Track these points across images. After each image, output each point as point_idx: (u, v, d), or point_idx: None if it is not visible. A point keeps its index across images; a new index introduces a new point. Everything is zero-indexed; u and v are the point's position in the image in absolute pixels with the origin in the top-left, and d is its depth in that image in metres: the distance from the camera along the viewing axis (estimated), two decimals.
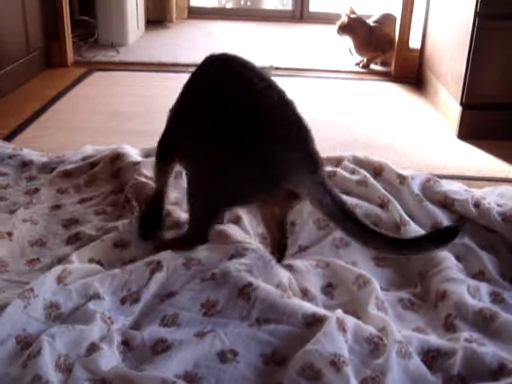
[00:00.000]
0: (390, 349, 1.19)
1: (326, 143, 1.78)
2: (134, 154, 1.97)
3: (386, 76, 3.44)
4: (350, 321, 1.27)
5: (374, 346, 1.23)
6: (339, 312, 1.28)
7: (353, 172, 1.84)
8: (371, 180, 1.78)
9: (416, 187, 1.73)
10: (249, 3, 5.13)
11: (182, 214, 1.69)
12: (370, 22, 3.55)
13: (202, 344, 1.23)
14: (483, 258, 1.54)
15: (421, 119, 2.87)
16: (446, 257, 1.51)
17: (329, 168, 1.84)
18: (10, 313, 1.26)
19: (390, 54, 3.48)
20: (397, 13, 3.40)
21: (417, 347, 1.25)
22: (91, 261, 1.52)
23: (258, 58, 3.53)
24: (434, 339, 1.29)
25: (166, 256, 1.46)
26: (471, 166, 2.34)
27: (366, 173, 1.81)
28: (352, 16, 3.50)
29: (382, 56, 3.57)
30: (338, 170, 1.85)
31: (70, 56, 3.48)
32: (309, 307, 1.31)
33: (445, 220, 1.66)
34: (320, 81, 3.33)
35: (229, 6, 5.18)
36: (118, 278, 1.39)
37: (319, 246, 1.62)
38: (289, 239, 1.58)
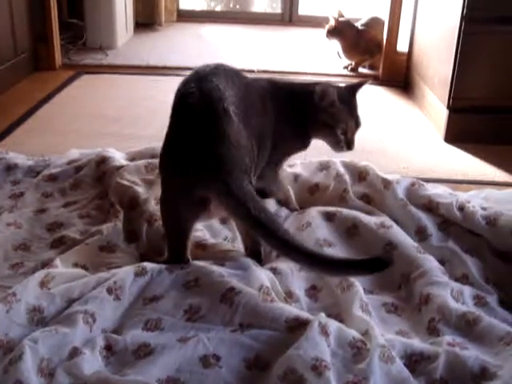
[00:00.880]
0: (372, 353, 1.20)
1: (313, 147, 1.79)
2: (119, 157, 1.97)
3: (374, 79, 3.45)
4: (333, 324, 1.27)
5: (356, 351, 1.23)
6: (322, 316, 1.28)
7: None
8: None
9: (401, 191, 1.74)
10: (238, 6, 5.13)
11: None
12: (359, 25, 3.56)
13: (184, 349, 1.23)
14: (467, 262, 1.55)
15: (408, 123, 2.88)
16: (427, 259, 1.52)
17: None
18: None
19: (379, 58, 3.50)
20: (385, 16, 3.42)
21: (400, 351, 1.26)
22: (76, 265, 1.51)
23: (246, 61, 3.55)
24: (417, 343, 1.29)
25: (148, 263, 1.45)
26: (458, 170, 2.35)
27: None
28: (340, 19, 3.51)
29: (371, 59, 3.58)
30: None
31: (59, 59, 3.47)
32: (292, 311, 1.31)
33: (429, 224, 1.66)
34: None
35: (218, 8, 5.18)
36: (102, 281, 1.39)
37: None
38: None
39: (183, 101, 1.43)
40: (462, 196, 1.85)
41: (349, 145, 1.70)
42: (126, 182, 1.79)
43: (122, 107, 2.88)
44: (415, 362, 1.24)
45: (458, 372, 1.21)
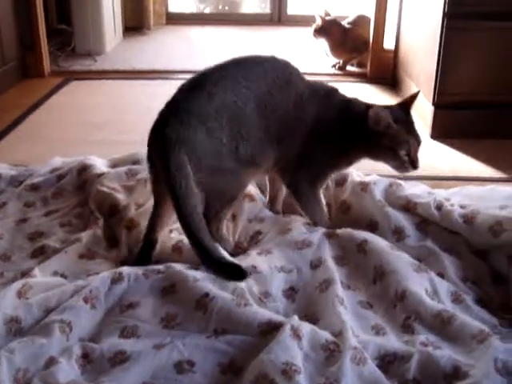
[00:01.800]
0: (344, 355, 1.20)
1: None
2: (101, 164, 1.97)
3: (362, 77, 3.46)
4: (306, 327, 1.27)
5: (329, 353, 1.23)
6: (295, 319, 1.29)
7: None
8: None
9: (378, 193, 1.73)
10: (227, 8, 5.14)
11: None
12: (345, 23, 3.57)
13: (159, 355, 1.24)
14: (444, 261, 1.55)
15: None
16: (400, 256, 1.53)
17: None
18: None
19: (366, 56, 3.50)
20: (371, 14, 3.42)
21: (373, 352, 1.26)
22: (55, 274, 1.52)
23: None
24: (391, 343, 1.30)
25: (126, 268, 1.47)
26: (444, 166, 2.35)
27: None
28: (327, 18, 3.52)
29: (358, 57, 3.59)
30: None
31: (47, 66, 3.48)
32: (264, 315, 1.31)
33: (407, 224, 1.66)
34: None
35: (207, 11, 5.19)
36: (79, 289, 1.40)
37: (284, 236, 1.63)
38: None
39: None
40: (442, 194, 1.85)
41: (413, 164, 1.64)
42: (105, 189, 1.80)
43: (109, 113, 2.89)
44: (388, 362, 1.25)
45: (431, 372, 1.21)
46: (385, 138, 1.62)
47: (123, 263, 1.57)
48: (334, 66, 3.62)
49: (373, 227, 1.69)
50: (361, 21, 3.54)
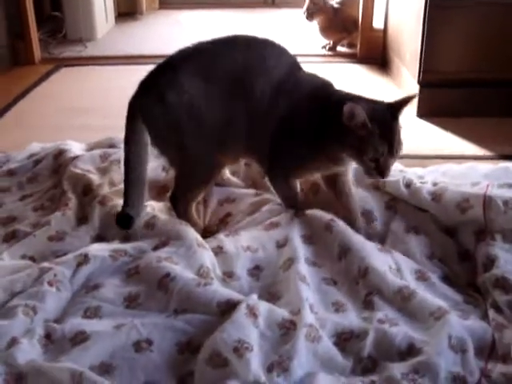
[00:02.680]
0: (298, 333, 1.21)
1: None
2: (77, 149, 1.98)
3: (353, 58, 3.43)
4: (263, 305, 1.28)
5: (285, 331, 1.24)
6: (253, 297, 1.30)
7: None
8: None
9: (350, 172, 1.73)
10: None
11: None
12: (334, 4, 3.53)
13: (118, 335, 1.26)
14: (408, 242, 1.55)
15: (384, 99, 2.85)
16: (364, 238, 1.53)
17: None
18: None
19: (356, 36, 3.47)
20: None
21: (330, 330, 1.27)
22: (23, 257, 1.54)
23: None
24: (348, 321, 1.30)
25: (93, 248, 1.48)
26: (429, 144, 2.34)
27: None
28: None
29: (348, 37, 3.56)
30: None
31: (37, 53, 3.47)
32: (224, 294, 1.33)
33: (376, 206, 1.65)
34: None
35: None
36: (45, 271, 1.42)
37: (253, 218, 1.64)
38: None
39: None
40: (419, 172, 1.84)
41: (381, 174, 1.48)
42: (79, 171, 1.81)
43: (95, 99, 2.89)
44: (345, 340, 1.25)
45: (386, 349, 1.22)
46: (354, 137, 1.46)
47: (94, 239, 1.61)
48: (325, 47, 3.59)
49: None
50: (350, 1, 3.50)
